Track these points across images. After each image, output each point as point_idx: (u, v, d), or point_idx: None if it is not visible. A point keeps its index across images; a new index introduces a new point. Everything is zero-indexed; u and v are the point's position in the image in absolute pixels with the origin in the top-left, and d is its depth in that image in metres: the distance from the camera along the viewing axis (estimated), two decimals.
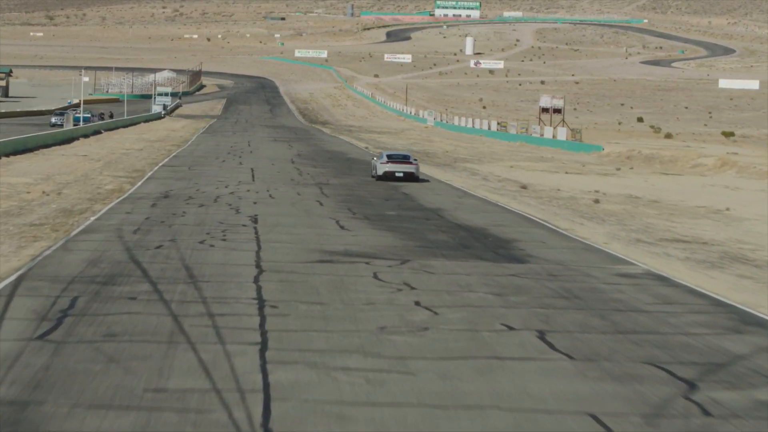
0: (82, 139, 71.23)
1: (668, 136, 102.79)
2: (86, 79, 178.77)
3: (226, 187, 37.90)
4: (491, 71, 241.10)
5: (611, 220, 31.72)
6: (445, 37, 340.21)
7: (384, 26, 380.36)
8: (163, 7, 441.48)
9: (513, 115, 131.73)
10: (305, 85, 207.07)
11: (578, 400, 11.26)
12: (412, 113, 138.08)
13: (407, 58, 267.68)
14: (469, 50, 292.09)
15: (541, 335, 14.43)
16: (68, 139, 68.24)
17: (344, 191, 37.87)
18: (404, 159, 44.79)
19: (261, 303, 16.06)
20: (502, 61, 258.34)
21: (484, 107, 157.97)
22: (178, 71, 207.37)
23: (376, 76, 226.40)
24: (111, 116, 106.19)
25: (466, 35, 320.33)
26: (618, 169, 59.90)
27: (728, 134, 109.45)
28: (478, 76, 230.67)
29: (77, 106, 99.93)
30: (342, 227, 26.75)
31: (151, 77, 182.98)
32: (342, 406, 10.72)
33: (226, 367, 12.10)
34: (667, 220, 32.67)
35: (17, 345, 12.86)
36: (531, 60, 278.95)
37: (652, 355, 13.56)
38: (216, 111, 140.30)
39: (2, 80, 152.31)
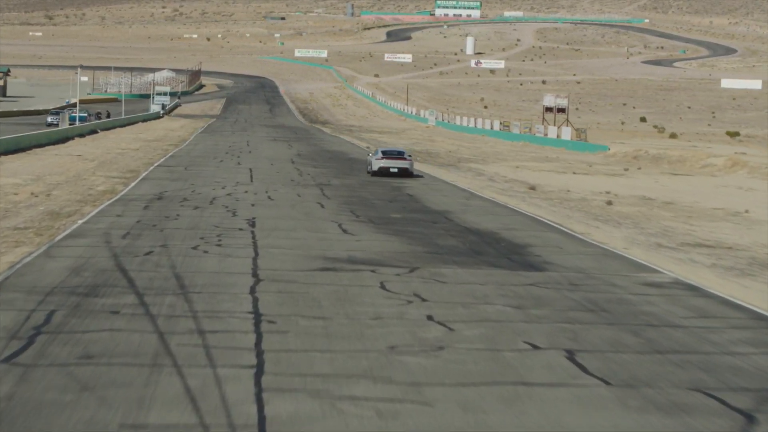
0: (77, 139, 69.71)
1: (673, 136, 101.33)
2: (85, 78, 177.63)
3: (223, 188, 36.38)
4: (492, 71, 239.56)
5: (627, 222, 30.19)
6: (445, 37, 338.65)
7: (384, 26, 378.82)
8: (163, 7, 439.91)
9: (514, 115, 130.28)
10: (305, 84, 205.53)
11: None
12: (413, 113, 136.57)
13: (407, 57, 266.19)
14: (469, 50, 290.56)
15: (570, 355, 12.90)
16: (63, 139, 66.73)
17: (346, 192, 36.35)
18: (399, 155, 45.82)
19: (257, 317, 14.53)
20: (503, 61, 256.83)
21: (486, 107, 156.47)
22: (178, 71, 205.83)
23: (377, 75, 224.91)
24: (108, 115, 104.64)
25: (466, 35, 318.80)
26: (626, 170, 58.38)
27: (733, 134, 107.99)
28: (478, 75, 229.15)
29: (75, 105, 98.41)
30: (345, 231, 25.21)
31: (150, 77, 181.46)
32: None
33: (216, 396, 10.57)
34: (684, 222, 31.15)
35: None
36: (532, 60, 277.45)
37: (698, 379, 12.02)
38: (215, 111, 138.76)
39: (0, 80, 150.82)
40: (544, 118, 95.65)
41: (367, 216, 28.69)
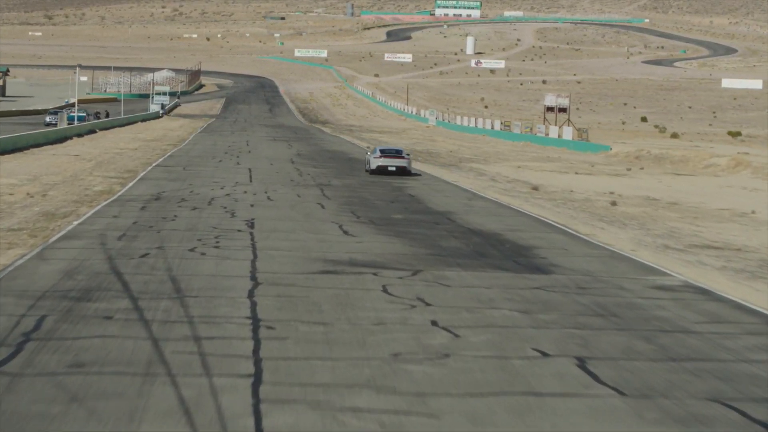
0: (75, 139, 69.17)
1: (674, 135, 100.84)
2: (84, 78, 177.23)
3: (221, 188, 35.86)
4: (492, 71, 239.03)
5: (632, 224, 29.66)
6: (445, 37, 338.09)
7: (384, 26, 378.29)
8: (163, 7, 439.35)
9: (515, 115, 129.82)
10: (305, 84, 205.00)
11: None
12: (414, 113, 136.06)
13: (408, 57, 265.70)
14: (469, 50, 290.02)
15: (581, 363, 12.37)
16: (61, 139, 66.19)
17: (347, 193, 35.82)
18: (397, 154, 46.12)
19: (255, 323, 14.01)
20: (503, 61, 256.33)
21: (486, 107, 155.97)
22: (177, 71, 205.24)
23: (377, 75, 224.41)
24: (107, 115, 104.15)
25: (466, 35, 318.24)
26: (628, 170, 57.87)
27: (735, 134, 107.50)
28: (479, 75, 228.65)
29: (74, 105, 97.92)
30: (345, 232, 24.68)
31: (149, 76, 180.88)
32: None
33: (212, 408, 10.05)
34: (691, 223, 30.63)
35: None
36: (532, 59, 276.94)
37: (717, 389, 11.49)
38: (215, 110, 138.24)
39: None
40: (545, 117, 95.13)
41: (368, 217, 28.17)
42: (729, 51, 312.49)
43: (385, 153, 45.97)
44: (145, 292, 15.95)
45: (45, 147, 58.34)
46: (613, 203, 35.79)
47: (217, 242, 21.91)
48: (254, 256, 20.13)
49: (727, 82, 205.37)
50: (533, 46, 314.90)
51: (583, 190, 41.59)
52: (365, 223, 26.80)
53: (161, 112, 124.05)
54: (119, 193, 33.12)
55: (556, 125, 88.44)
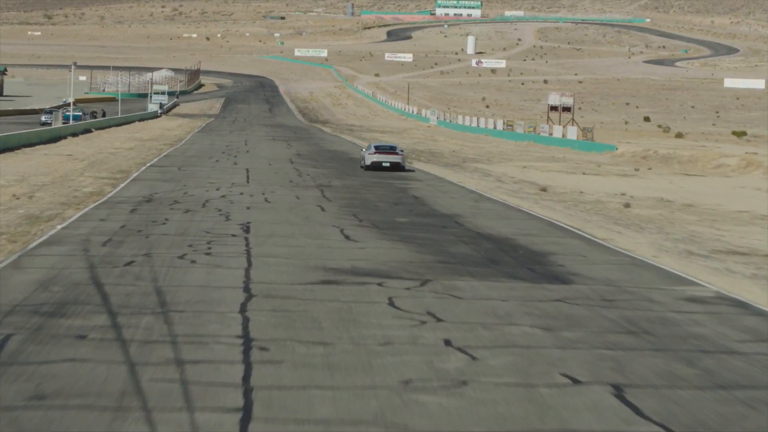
0: (70, 138, 67.68)
1: (679, 135, 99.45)
2: (83, 78, 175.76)
3: (217, 189, 34.30)
4: (493, 70, 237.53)
5: (650, 227, 28.10)
6: (446, 36, 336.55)
7: (384, 25, 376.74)
8: (162, 7, 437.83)
9: (517, 115, 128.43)
10: (305, 84, 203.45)
11: None
12: (414, 112, 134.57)
13: (408, 57, 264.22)
14: (470, 49, 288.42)
15: (619, 392, 10.82)
16: (55, 138, 64.69)
17: (348, 194, 34.25)
18: (391, 150, 47.20)
19: (247, 343, 12.45)
20: (504, 61, 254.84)
21: (488, 106, 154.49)
22: (177, 70, 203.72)
23: (377, 75, 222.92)
24: (103, 114, 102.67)
25: (467, 34, 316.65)
26: (636, 170, 56.35)
27: (740, 134, 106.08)
28: (480, 75, 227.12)
29: (73, 104, 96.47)
30: (347, 237, 23.11)
31: (148, 76, 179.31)
32: None
33: None
34: (710, 227, 29.08)
35: None
36: (533, 59, 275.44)
37: None
38: (214, 110, 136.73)
39: None
40: (549, 117, 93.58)
41: (371, 220, 26.61)
42: (731, 51, 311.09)
43: (380, 149, 47.03)
44: (125, 306, 14.40)
45: (37, 147, 56.84)
46: (627, 205, 34.25)
47: (209, 248, 20.35)
48: (248, 264, 18.57)
49: (729, 82, 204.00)
50: (534, 46, 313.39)
51: (592, 191, 40.06)
52: (368, 227, 25.24)
53: (159, 111, 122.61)
54: (109, 195, 31.58)
55: (560, 125, 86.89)
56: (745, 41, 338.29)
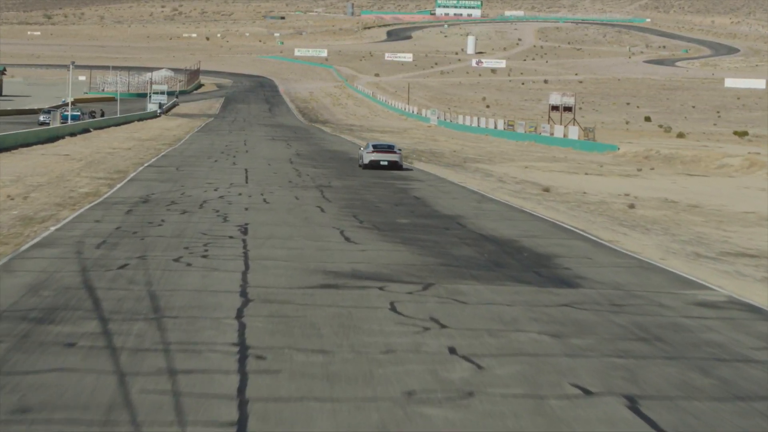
0: (68, 138, 67.12)
1: (681, 135, 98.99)
2: (83, 78, 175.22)
3: (215, 190, 33.77)
4: (493, 70, 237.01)
5: (656, 228, 27.58)
6: (446, 36, 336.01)
7: (384, 25, 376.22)
8: (162, 6, 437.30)
9: (517, 114, 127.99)
10: (305, 84, 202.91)
11: None
12: (415, 112, 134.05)
13: (408, 57, 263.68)
14: (470, 49, 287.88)
15: (632, 404, 10.29)
16: (52, 138, 64.14)
17: (348, 195, 33.72)
18: (389, 149, 47.66)
19: (243, 351, 11.92)
20: (504, 61, 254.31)
21: (488, 106, 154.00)
22: (177, 70, 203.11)
23: (377, 75, 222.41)
24: (102, 114, 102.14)
25: (467, 34, 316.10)
26: (639, 170, 55.84)
27: (741, 134, 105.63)
28: (480, 75, 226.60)
29: (72, 104, 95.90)
30: (347, 239, 22.58)
31: (147, 76, 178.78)
32: None
33: None
34: (717, 228, 28.56)
35: None
36: (533, 59, 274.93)
37: None
38: (213, 110, 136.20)
39: None
40: (550, 117, 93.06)
41: (372, 221, 26.08)
42: (731, 51, 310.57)
43: (378, 148, 47.54)
44: (117, 311, 13.87)
45: (35, 146, 56.30)
46: (631, 206, 33.73)
47: (206, 251, 19.82)
48: (246, 267, 18.05)
49: (730, 82, 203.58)
50: (534, 46, 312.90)
51: (596, 191, 39.55)
52: (368, 228, 24.72)
53: (159, 111, 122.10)
54: (105, 196, 31.05)
55: (561, 124, 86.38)
56: (745, 41, 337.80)
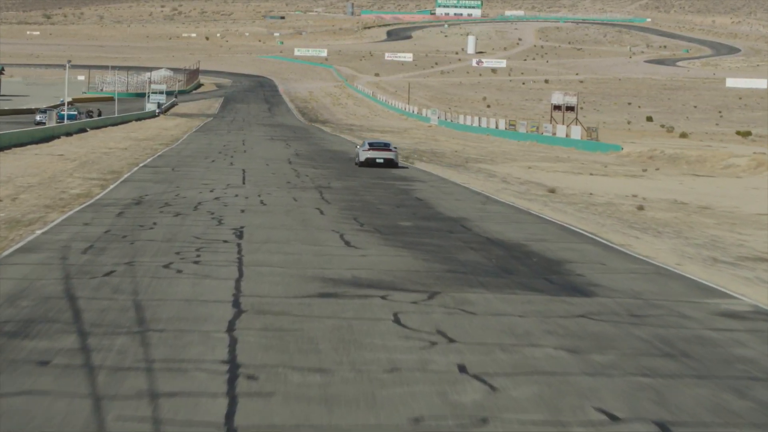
0: (63, 138, 66.07)
1: (683, 135, 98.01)
2: (82, 77, 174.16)
3: (211, 191, 32.73)
4: (494, 70, 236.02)
5: (668, 231, 26.54)
6: (446, 36, 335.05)
7: (384, 25, 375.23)
8: (162, 6, 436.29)
9: (518, 114, 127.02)
10: (305, 83, 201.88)
11: None
12: (415, 112, 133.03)
13: (408, 56, 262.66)
14: (470, 49, 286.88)
15: (664, 431, 9.26)
16: (48, 138, 63.11)
17: (348, 196, 32.67)
18: (384, 146, 48.09)
19: (233, 370, 10.89)
20: (505, 60, 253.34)
21: (489, 106, 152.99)
22: (176, 70, 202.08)
23: (377, 75, 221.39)
24: (99, 114, 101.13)
25: (467, 34, 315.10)
26: (644, 171, 54.83)
27: (744, 134, 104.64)
28: (480, 75, 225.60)
29: (70, 104, 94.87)
30: (347, 243, 21.53)
31: (146, 75, 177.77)
32: None
33: None
34: (731, 231, 27.53)
35: None
36: (534, 59, 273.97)
37: None
38: (213, 110, 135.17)
39: None
40: (552, 116, 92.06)
41: (373, 224, 25.04)
42: (732, 50, 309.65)
43: (374, 146, 47.96)
44: (99, 324, 12.84)
45: (29, 146, 55.28)
46: (640, 207, 32.68)
47: (198, 256, 18.78)
48: (240, 275, 17.00)
49: (731, 82, 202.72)
50: (535, 46, 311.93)
51: (602, 192, 38.52)
52: (369, 231, 23.67)
53: (157, 111, 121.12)
54: (97, 197, 30.01)
55: (563, 124, 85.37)
56: (746, 41, 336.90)
